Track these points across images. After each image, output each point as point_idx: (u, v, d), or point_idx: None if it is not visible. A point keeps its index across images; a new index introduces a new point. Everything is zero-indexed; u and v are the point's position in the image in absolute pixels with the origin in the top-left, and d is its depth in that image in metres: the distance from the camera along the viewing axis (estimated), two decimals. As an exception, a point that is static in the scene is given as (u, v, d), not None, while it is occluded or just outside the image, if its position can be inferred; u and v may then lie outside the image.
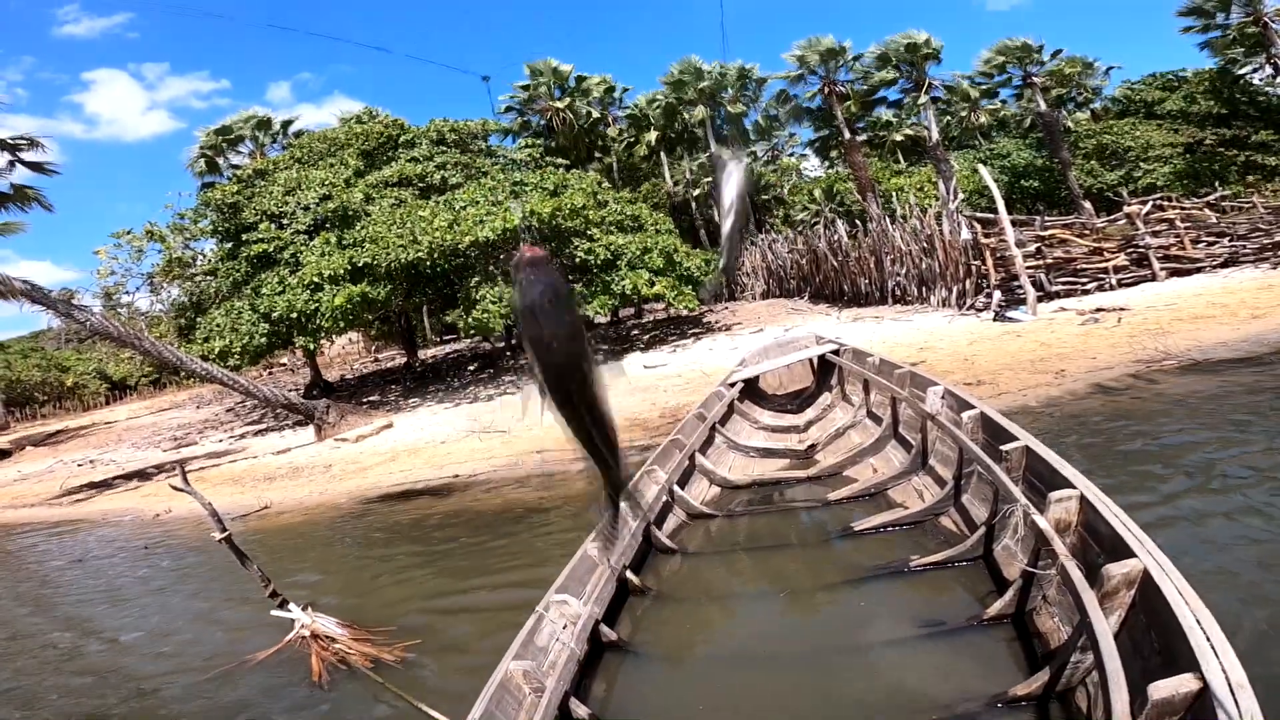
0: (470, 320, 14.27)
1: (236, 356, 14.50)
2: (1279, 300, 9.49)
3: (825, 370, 8.02)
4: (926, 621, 3.34)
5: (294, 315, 14.22)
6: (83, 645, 5.43)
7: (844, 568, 4.19)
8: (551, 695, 2.74)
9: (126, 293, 19.46)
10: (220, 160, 25.35)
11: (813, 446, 6.43)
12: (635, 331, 18.54)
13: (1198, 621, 1.99)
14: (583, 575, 3.73)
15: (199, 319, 16.04)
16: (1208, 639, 1.91)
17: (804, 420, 7.41)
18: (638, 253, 14.94)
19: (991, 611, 3.17)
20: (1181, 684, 1.82)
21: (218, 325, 14.93)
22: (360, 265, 14.37)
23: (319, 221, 16.03)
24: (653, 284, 14.57)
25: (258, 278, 15.30)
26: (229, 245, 16.68)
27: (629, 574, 4.13)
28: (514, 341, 18.85)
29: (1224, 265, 12.48)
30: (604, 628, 3.55)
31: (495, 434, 10.23)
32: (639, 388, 11.22)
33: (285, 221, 16.06)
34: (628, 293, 14.64)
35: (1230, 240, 12.84)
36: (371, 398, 16.50)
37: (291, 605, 4.37)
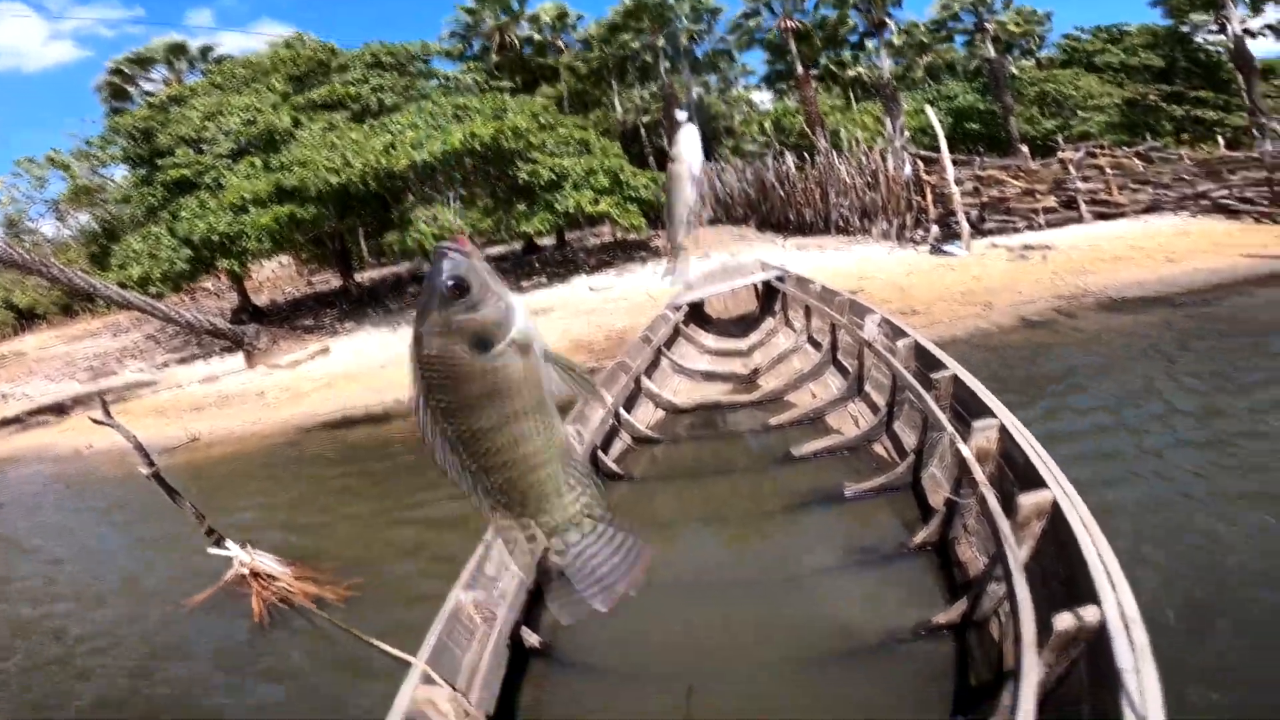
0: (406, 241, 13.83)
1: (157, 283, 13.81)
2: (1194, 246, 10.06)
3: (769, 296, 8.13)
4: (859, 549, 3.51)
5: (216, 238, 13.46)
6: (3, 595, 5.19)
7: (783, 494, 4.34)
8: (503, 624, 2.74)
9: (30, 220, 17.88)
10: (131, 88, 23.19)
11: (756, 371, 6.57)
12: (582, 255, 18.30)
13: (1099, 555, 2.06)
14: None
15: (113, 246, 15.02)
16: (1107, 573, 1.98)
17: (748, 344, 7.54)
18: (583, 174, 14.63)
19: (917, 540, 3.33)
20: (1082, 616, 1.87)
21: (135, 251, 14.15)
22: (288, 188, 13.63)
23: (242, 146, 15.07)
24: (597, 202, 14.34)
25: (176, 203, 14.46)
26: (142, 171, 15.54)
27: None
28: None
29: (1146, 211, 13.11)
30: (553, 554, 3.58)
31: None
32: (584, 310, 11.16)
33: (205, 147, 15.05)
34: (571, 211, 14.37)
35: (1154, 188, 13.46)
36: (305, 322, 15.85)
37: (229, 543, 4.21)
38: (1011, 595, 2.23)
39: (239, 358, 12.51)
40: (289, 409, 9.28)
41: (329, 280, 20.88)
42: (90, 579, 5.12)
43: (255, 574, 4.10)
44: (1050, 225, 13.32)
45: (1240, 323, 6.99)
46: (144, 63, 23.25)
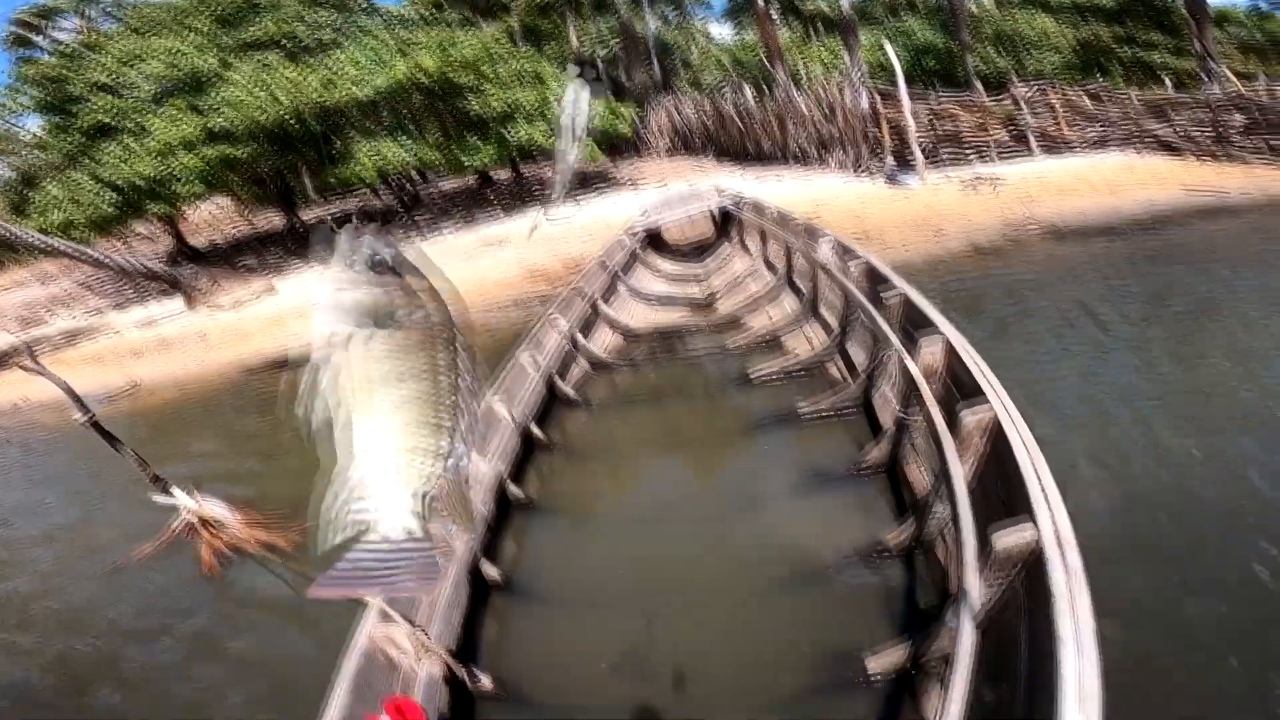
0: (346, 174, 13.43)
1: (81, 228, 13.07)
2: (1137, 180, 10.37)
3: (726, 222, 8.10)
4: (813, 471, 3.55)
5: (143, 184, 12.76)
6: None
7: (740, 417, 4.37)
8: (461, 558, 2.70)
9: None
10: (38, 37, 21.16)
11: (712, 294, 6.58)
12: (538, 186, 17.87)
13: (1036, 474, 2.07)
14: (486, 431, 3.66)
15: (31, 193, 14.07)
16: (1044, 492, 1.99)
17: (704, 269, 7.53)
18: (536, 106, 14.12)
19: (868, 461, 3.39)
20: (1018, 535, 1.89)
21: (55, 197, 13.31)
22: (217, 130, 12.87)
23: (166, 90, 14.11)
24: (551, 135, 13.91)
25: (96, 148, 13.58)
26: (57, 119, 14.50)
27: (533, 427, 4.14)
28: (407, 199, 17.75)
29: (1094, 147, 13.45)
30: (511, 486, 3.53)
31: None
32: (541, 239, 10.93)
33: (124, 93, 14.05)
34: (524, 144, 13.92)
35: (1102, 126, 13.80)
36: (248, 262, 15.17)
37: (175, 490, 4.03)
38: (955, 515, 2.26)
39: (178, 301, 11.96)
40: (234, 349, 8.96)
41: (272, 220, 19.93)
42: (35, 535, 4.93)
43: (204, 521, 3.94)
44: (1001, 158, 13.68)
45: (1179, 251, 7.26)
46: (50, 14, 21.35)
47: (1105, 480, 3.35)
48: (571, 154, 2.19)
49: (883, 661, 2.21)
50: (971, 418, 2.52)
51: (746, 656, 2.45)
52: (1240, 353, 4.65)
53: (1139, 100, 14.11)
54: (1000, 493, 2.32)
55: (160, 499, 4.02)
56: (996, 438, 2.42)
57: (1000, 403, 2.51)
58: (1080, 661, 1.42)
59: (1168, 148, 12.42)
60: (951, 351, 3.08)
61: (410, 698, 1.99)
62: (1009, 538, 1.90)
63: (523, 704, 2.39)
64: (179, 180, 12.87)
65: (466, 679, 2.32)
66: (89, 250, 11.94)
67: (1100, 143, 13.56)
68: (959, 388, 2.93)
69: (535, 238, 10.82)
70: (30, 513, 5.40)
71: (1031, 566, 1.87)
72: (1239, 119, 11.42)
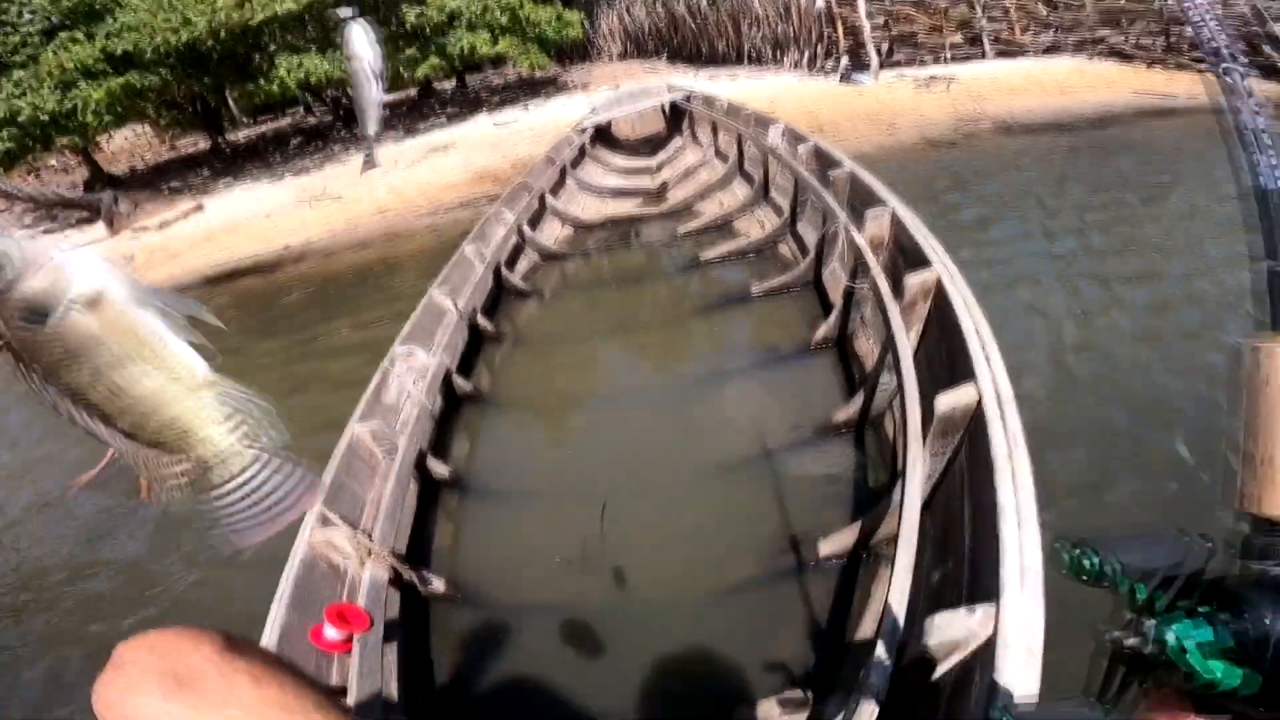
0: (266, 91, 12.53)
1: None
2: (1087, 83, 10.44)
3: (676, 117, 7.86)
4: (765, 350, 3.52)
5: (44, 118, 11.71)
6: None
7: (693, 299, 4.33)
8: (405, 455, 2.57)
9: None
10: None
11: (664, 185, 6.44)
12: (484, 93, 17.05)
13: (977, 333, 2.00)
14: (429, 324, 3.51)
15: None
16: (984, 352, 1.91)
17: (656, 162, 7.34)
18: (477, 12, 13.23)
19: (818, 336, 3.35)
20: (960, 397, 1.81)
21: None
22: (119, 54, 11.73)
23: (56, 24, 12.72)
24: (495, 42, 13.12)
25: None
26: None
27: (480, 319, 3.99)
28: (343, 113, 16.74)
29: (1047, 52, 13.44)
30: (458, 379, 3.40)
31: (329, 201, 9.32)
32: (488, 143, 10.49)
33: (8, 29, 12.64)
34: (465, 54, 13.12)
35: (1056, 32, 13.76)
36: (172, 184, 14.28)
37: None
38: (900, 383, 2.19)
39: (99, 227, 11.21)
40: (164, 268, 8.49)
41: (197, 142, 18.66)
42: None
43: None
44: (955, 60, 13.67)
45: (1126, 145, 7.32)
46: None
47: (1040, 361, 3.37)
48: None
49: (834, 544, 2.17)
50: (915, 280, 2.46)
51: (699, 543, 2.42)
52: (1184, 235, 4.70)
53: (1094, 9, 14.13)
54: (944, 358, 2.27)
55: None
56: (939, 300, 2.37)
57: (944, 265, 2.45)
58: (1021, 534, 1.35)
59: (1119, 55, 12.47)
60: (897, 222, 3.03)
61: (353, 603, 1.90)
62: (950, 399, 1.83)
63: (477, 605, 2.31)
64: (85, 112, 11.81)
65: (416, 581, 2.23)
66: (-5, 182, 11.03)
67: (1053, 48, 13.61)
68: (905, 256, 2.89)
69: (479, 141, 10.35)
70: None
71: (972, 432, 1.80)
72: (1189, 29, 11.52)
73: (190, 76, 13.16)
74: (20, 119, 11.87)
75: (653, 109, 8.05)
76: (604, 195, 6.52)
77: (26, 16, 12.84)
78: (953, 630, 1.27)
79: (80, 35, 12.44)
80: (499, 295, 4.59)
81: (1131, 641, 0.43)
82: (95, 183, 15.79)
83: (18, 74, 12.29)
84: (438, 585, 2.28)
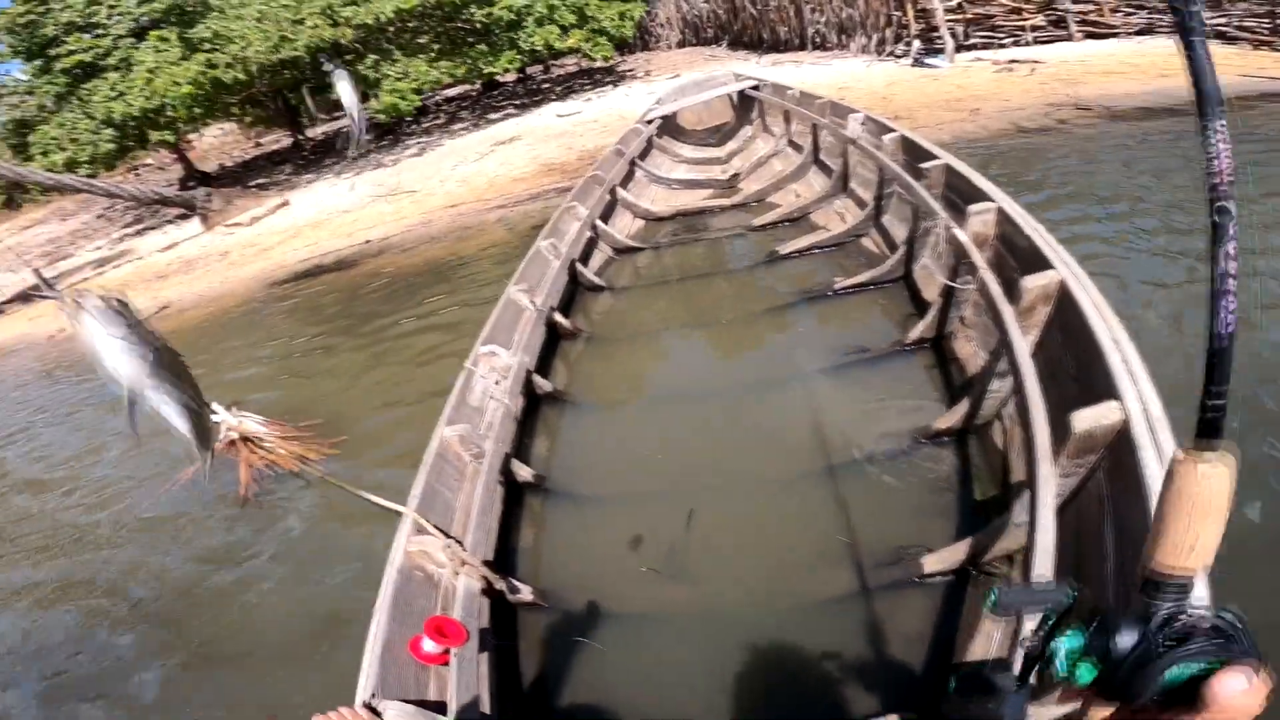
0: (382, 103, 12.92)
1: (87, 165, 13.01)
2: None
3: (745, 106, 7.68)
4: (852, 349, 3.32)
5: (137, 117, 12.59)
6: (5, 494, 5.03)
7: (771, 294, 4.16)
8: (491, 458, 2.57)
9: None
10: None
11: (735, 175, 6.31)
12: (546, 85, 17.23)
13: (1115, 342, 1.80)
14: (509, 323, 3.51)
15: (29, 135, 13.93)
16: (1125, 364, 1.73)
17: (725, 152, 7.21)
18: (545, 10, 13.47)
19: (912, 335, 3.14)
20: (1103, 414, 1.62)
21: (53, 139, 13.15)
22: (218, 65, 12.49)
23: (144, 25, 13.51)
24: (565, 37, 13.33)
25: (83, 88, 13.28)
26: (38, 63, 14.09)
27: (557, 316, 4.00)
28: (414, 110, 17.31)
29: (1140, 34, 12.53)
30: (537, 378, 3.40)
31: (404, 195, 9.62)
32: (553, 134, 10.58)
33: (100, 32, 13.48)
34: (538, 49, 13.35)
35: (1149, 12, 12.80)
36: (259, 181, 15.05)
37: (215, 406, 3.89)
38: (1019, 390, 1.99)
39: (195, 223, 11.93)
40: (257, 264, 8.96)
41: (279, 140, 19.58)
42: (83, 463, 4.98)
43: (244, 438, 3.87)
44: (1038, 42, 12.96)
45: (1240, 132, 6.70)
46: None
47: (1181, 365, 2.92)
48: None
49: (940, 560, 2.02)
50: (1034, 283, 2.22)
51: (789, 551, 2.32)
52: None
53: None
54: (1070, 366, 2.06)
55: None
56: (1064, 304, 2.15)
57: (1067, 268, 2.22)
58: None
59: (1221, 36, 11.55)
60: (1005, 219, 2.78)
61: (450, 617, 1.92)
62: (1090, 418, 1.63)
63: (563, 612, 2.30)
64: (174, 108, 12.58)
65: (506, 591, 2.23)
66: (99, 183, 11.88)
67: (1146, 30, 12.69)
68: (1015, 256, 2.66)
69: (547, 135, 10.42)
70: (81, 440, 5.45)
71: (1115, 451, 1.63)
72: None
73: (279, 80, 13.75)
74: (116, 120, 12.66)
75: (720, 98, 7.89)
76: (673, 187, 6.46)
77: (115, 19, 13.63)
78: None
79: (171, 36, 13.14)
80: (574, 291, 4.60)
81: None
82: (189, 180, 16.82)
83: (111, 76, 13.08)
84: (525, 594, 2.28)
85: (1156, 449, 1.49)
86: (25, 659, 3.16)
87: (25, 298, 11.53)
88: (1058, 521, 1.63)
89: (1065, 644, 0.64)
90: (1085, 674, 0.61)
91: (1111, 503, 1.64)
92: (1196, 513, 0.59)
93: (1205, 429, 0.59)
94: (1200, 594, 0.90)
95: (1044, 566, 1.45)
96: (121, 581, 3.49)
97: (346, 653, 1.90)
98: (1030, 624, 1.15)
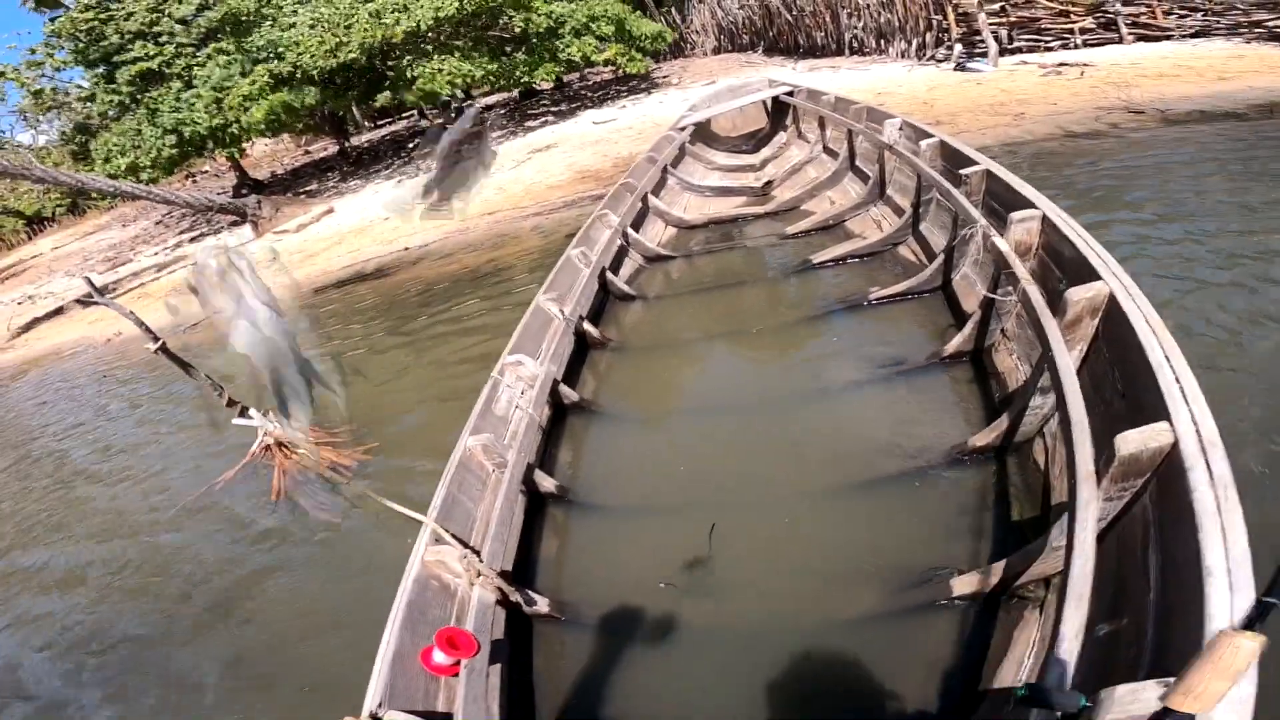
0: (415, 93, 13.28)
1: (148, 170, 13.49)
2: (1247, 67, 9.10)
3: (779, 112, 7.61)
4: (888, 360, 3.23)
5: (203, 133, 13.10)
6: (58, 490, 5.19)
7: (804, 303, 4.09)
8: (514, 469, 2.54)
9: (1, 132, 17.18)
10: None
11: (769, 183, 6.24)
12: (583, 92, 17.42)
13: (1167, 359, 1.70)
14: (537, 332, 3.50)
15: (91, 142, 14.56)
16: (1178, 382, 1.63)
17: (759, 159, 7.15)
18: (583, 21, 13.66)
19: (950, 348, 3.06)
20: (1152, 436, 1.54)
21: (116, 145, 13.67)
22: (283, 75, 12.90)
23: (205, 33, 14.10)
24: (602, 50, 13.51)
25: (148, 96, 13.81)
26: (101, 70, 14.76)
27: (586, 325, 3.98)
28: (453, 115, 17.60)
29: (1194, 36, 12.04)
30: (564, 388, 3.38)
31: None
32: (589, 142, 10.65)
33: (163, 39, 14.05)
34: (575, 60, 13.53)
35: (1204, 15, 12.29)
36: (308, 188, 15.55)
37: (252, 411, 4.01)
38: (1062, 408, 1.89)
39: (246, 229, 12.38)
40: (302, 270, 9.23)
41: (326, 147, 20.22)
42: (130, 466, 5.12)
43: (279, 443, 3.91)
44: (1087, 45, 12.59)
45: None
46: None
47: (1244, 382, 2.73)
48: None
49: (970, 583, 1.96)
50: (1081, 294, 2.12)
51: (813, 569, 2.26)
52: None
53: None
54: (1117, 383, 1.98)
55: (239, 421, 4.01)
56: (1112, 317, 2.05)
57: (1117, 279, 2.11)
58: (1233, 597, 1.14)
59: (1274, 37, 11.02)
60: (1050, 227, 2.65)
61: (462, 629, 1.92)
62: (1138, 440, 1.54)
63: (579, 626, 2.27)
64: (244, 128, 13.07)
65: (522, 603, 2.22)
66: (157, 190, 12.40)
67: (1201, 32, 12.19)
68: (1060, 266, 2.55)
69: (580, 141, 10.49)
70: (129, 440, 5.63)
71: (1164, 475, 1.55)
72: None
73: (331, 94, 14.18)
74: (184, 131, 13.18)
75: (754, 105, 7.83)
76: (706, 194, 6.42)
77: (178, 28, 14.19)
78: (1139, 705, 1.08)
79: (230, 46, 13.64)
80: (604, 300, 4.59)
81: None
82: (242, 187, 17.46)
83: (175, 85, 13.60)
84: (542, 606, 2.27)
85: (1209, 474, 1.40)
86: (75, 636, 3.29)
87: (84, 302, 12.10)
88: (1098, 547, 1.55)
89: None
90: None
91: (1157, 530, 1.55)
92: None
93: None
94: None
95: (1081, 594, 1.38)
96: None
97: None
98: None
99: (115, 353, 8.58)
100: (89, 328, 10.31)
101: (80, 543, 4.20)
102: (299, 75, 12.89)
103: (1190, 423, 1.52)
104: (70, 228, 29.70)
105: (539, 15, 13.46)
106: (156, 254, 14.73)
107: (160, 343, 4.04)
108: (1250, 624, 0.90)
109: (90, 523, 4.42)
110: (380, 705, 1.60)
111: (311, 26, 13.07)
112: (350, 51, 12.52)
